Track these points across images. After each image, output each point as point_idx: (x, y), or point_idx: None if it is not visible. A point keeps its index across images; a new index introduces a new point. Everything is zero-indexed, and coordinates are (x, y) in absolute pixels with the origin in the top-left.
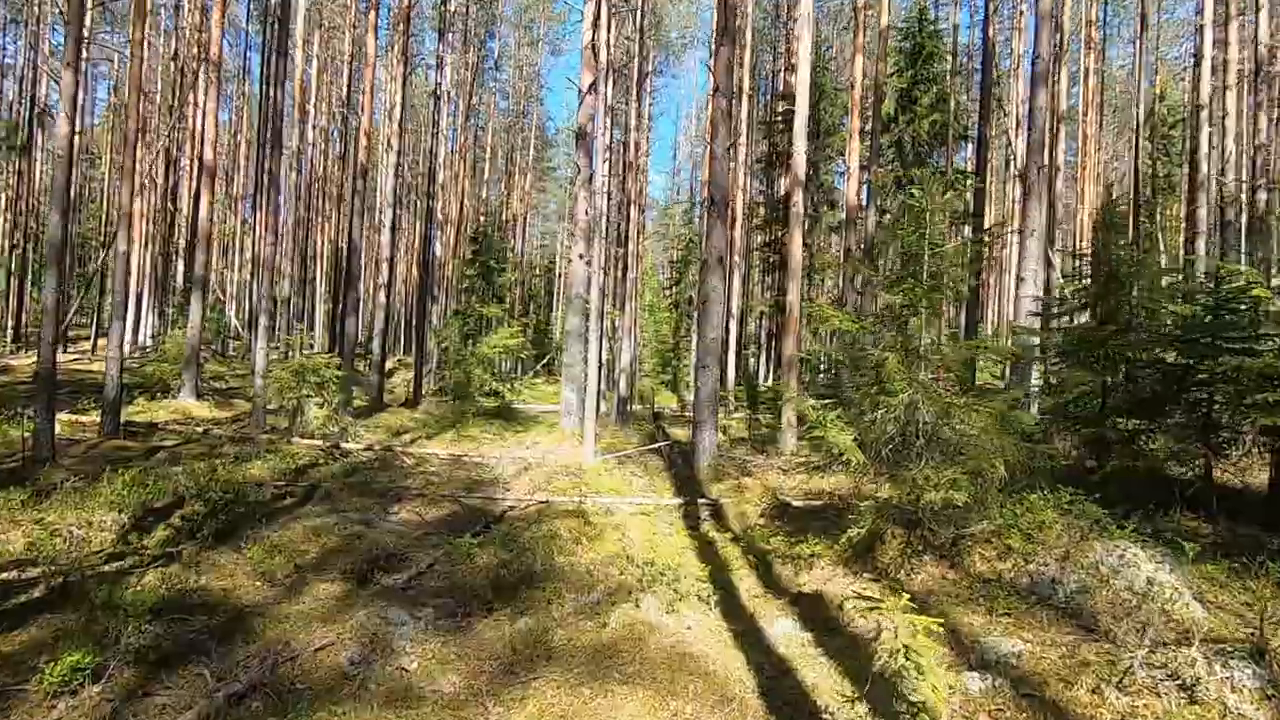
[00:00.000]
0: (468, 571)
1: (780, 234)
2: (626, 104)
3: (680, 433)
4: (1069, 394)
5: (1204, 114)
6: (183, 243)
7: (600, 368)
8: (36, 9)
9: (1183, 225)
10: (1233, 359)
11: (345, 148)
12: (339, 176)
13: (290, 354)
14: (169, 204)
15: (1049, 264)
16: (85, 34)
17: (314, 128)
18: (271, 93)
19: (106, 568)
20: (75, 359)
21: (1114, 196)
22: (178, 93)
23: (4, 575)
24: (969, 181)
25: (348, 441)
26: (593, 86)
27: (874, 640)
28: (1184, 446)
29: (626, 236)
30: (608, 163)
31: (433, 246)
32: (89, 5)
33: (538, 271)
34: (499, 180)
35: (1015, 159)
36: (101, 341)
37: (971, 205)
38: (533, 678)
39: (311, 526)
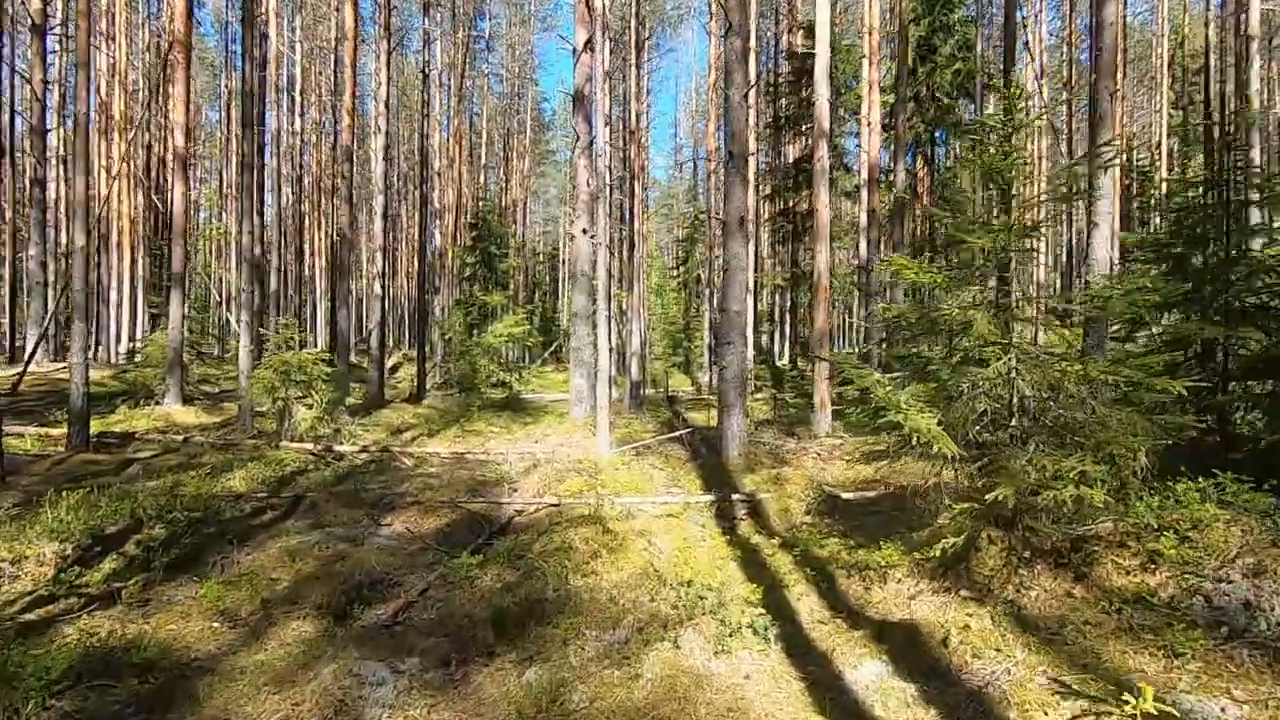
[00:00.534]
0: (466, 599)
1: (791, 203)
2: (625, 76)
3: (699, 417)
4: (1172, 355)
5: (1254, 46)
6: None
7: (611, 351)
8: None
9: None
10: None
11: (337, 139)
12: (334, 169)
13: (283, 349)
14: (155, 201)
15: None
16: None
17: (300, 116)
18: (244, 68)
19: (31, 615)
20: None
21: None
22: (161, 86)
23: None
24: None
25: (342, 443)
26: (588, 44)
27: (1008, 700)
28: None
29: (632, 213)
30: (608, 128)
31: (431, 235)
32: None
33: (541, 258)
34: (497, 167)
35: (1039, 107)
36: (101, 348)
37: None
38: None
39: (288, 547)
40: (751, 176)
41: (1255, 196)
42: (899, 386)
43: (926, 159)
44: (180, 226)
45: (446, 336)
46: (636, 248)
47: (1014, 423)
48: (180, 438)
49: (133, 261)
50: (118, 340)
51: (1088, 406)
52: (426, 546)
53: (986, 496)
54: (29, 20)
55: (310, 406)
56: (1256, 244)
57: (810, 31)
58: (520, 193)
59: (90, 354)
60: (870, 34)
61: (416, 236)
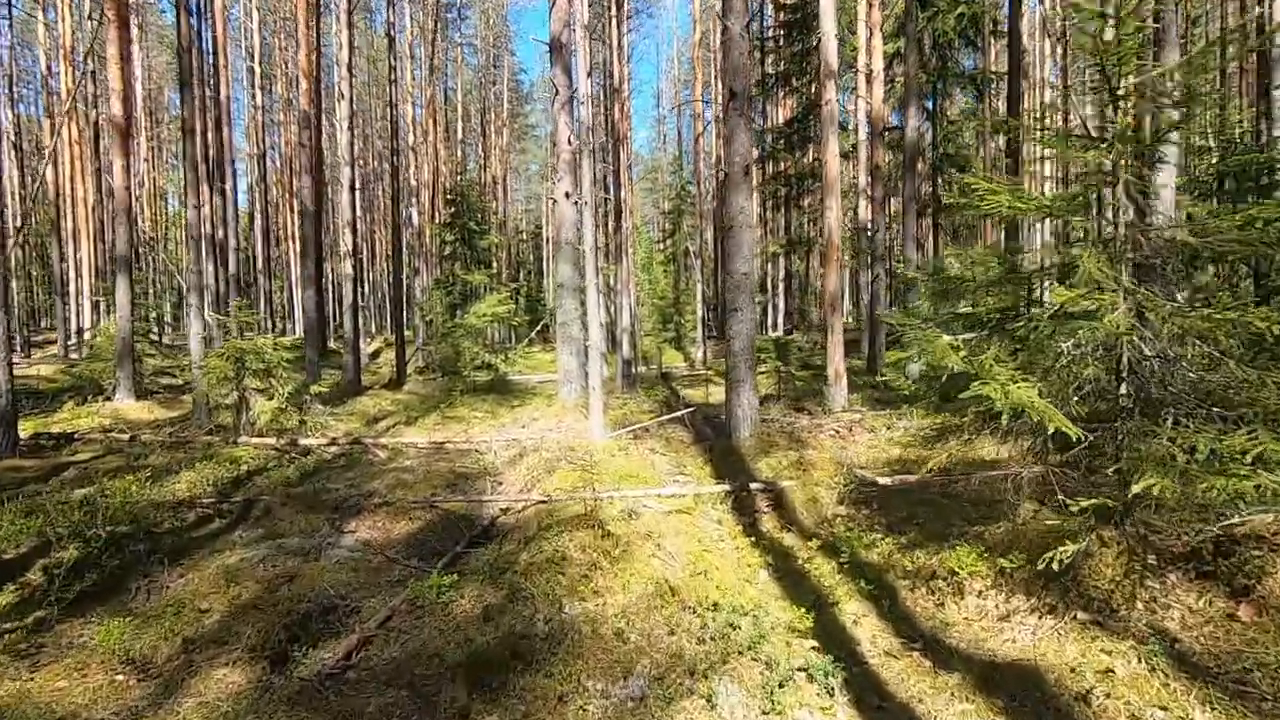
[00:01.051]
0: (437, 631)
1: (784, 165)
2: (605, 30)
3: (697, 394)
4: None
5: None
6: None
7: (601, 326)
8: None
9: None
10: None
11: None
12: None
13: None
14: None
15: None
16: None
17: (263, 91)
18: (177, 19)
19: None
20: (37, 365)
21: None
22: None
23: None
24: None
25: (308, 436)
26: None
27: None
28: None
29: (617, 179)
30: (591, 80)
31: (409, 215)
32: None
33: (525, 236)
34: (475, 143)
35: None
36: (57, 342)
37: (1005, 111)
38: None
39: (227, 566)
40: None
41: None
42: (976, 351)
43: (928, 113)
44: (124, 203)
45: (427, 318)
46: (623, 217)
47: (1123, 390)
48: (126, 436)
49: (92, 249)
50: (79, 333)
51: (1225, 367)
52: (394, 557)
53: (1132, 489)
54: None
55: (271, 397)
56: None
57: None
58: (500, 168)
59: (59, 347)
60: None
61: (391, 213)
